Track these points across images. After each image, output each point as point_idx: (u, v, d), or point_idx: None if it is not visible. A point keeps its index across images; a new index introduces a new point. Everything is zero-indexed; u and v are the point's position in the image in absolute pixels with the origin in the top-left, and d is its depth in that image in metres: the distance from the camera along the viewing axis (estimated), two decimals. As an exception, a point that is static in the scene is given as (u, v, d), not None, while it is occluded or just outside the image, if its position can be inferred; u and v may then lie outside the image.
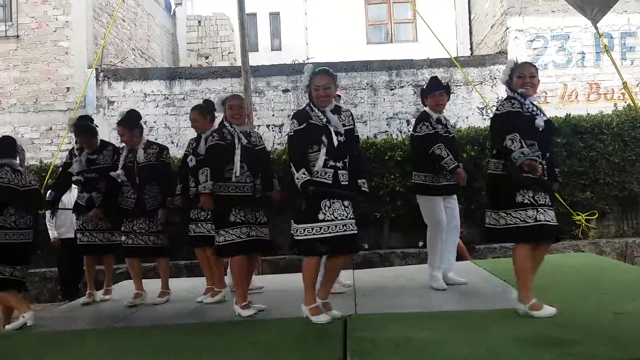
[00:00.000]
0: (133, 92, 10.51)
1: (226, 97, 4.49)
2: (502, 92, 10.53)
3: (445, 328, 3.58)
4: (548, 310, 3.61)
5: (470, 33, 14.28)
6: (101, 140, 5.42)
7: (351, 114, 4.04)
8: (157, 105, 10.51)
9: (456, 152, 4.83)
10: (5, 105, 10.32)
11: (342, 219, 3.73)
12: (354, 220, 3.81)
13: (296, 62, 11.90)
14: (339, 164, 3.82)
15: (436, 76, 5.07)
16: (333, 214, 3.71)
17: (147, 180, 4.96)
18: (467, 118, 10.38)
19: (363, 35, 15.19)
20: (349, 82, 10.61)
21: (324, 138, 3.76)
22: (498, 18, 11.58)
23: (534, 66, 3.95)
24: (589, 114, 8.92)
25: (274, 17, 16.30)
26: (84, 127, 5.33)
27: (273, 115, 10.70)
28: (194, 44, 15.04)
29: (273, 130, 10.64)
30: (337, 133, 3.82)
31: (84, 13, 10.58)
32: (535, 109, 3.74)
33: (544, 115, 3.81)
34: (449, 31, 13.85)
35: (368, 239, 8.38)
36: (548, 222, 3.64)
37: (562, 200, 8.23)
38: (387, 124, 10.57)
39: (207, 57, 14.64)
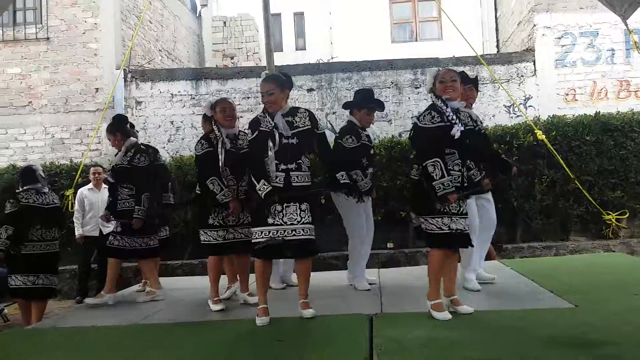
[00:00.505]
0: (160, 92, 10.64)
1: (217, 100, 4.68)
2: (530, 89, 10.46)
3: (473, 328, 3.55)
4: (445, 314, 3.75)
5: (497, 31, 14.10)
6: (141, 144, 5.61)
7: (309, 114, 4.04)
8: (184, 105, 10.62)
9: (486, 148, 4.82)
10: (37, 106, 10.54)
11: (292, 224, 3.80)
12: (307, 225, 3.85)
13: (321, 61, 11.90)
14: (292, 166, 3.87)
15: (463, 71, 5.00)
16: (282, 219, 3.80)
17: (119, 182, 5.24)
18: (493, 116, 10.25)
19: (387, 34, 15.15)
20: (373, 80, 10.57)
21: (270, 143, 3.83)
22: (525, 15, 11.42)
23: (455, 71, 4.05)
24: (619, 111, 8.75)
25: (299, 17, 16.36)
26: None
27: (298, 114, 10.72)
28: (219, 45, 15.17)
29: (298, 130, 10.66)
30: (283, 136, 3.87)
31: (112, 15, 10.75)
32: (454, 117, 3.78)
33: (465, 122, 3.89)
34: (474, 29, 13.73)
35: (394, 238, 8.35)
36: (460, 231, 3.77)
37: (592, 200, 8.09)
38: (412, 123, 10.50)
39: (232, 58, 14.74)
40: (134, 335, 4.03)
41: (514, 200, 8.12)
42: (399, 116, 10.55)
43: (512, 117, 10.04)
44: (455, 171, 3.75)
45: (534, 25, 10.73)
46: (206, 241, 4.52)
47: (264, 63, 9.84)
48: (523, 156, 8.20)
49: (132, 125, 5.75)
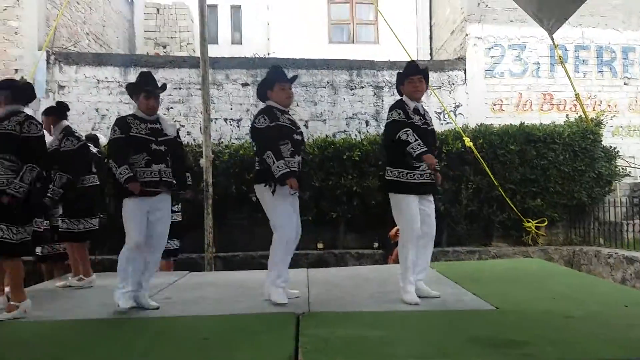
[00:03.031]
0: (85, 77, 10.15)
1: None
2: (460, 97, 10.77)
3: (398, 327, 3.57)
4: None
5: (431, 38, 14.46)
6: None
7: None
8: (111, 93, 10.18)
9: (434, 146, 4.41)
10: (-53, 84, 9.77)
11: None
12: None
13: (257, 56, 11.75)
14: None
15: (414, 60, 4.77)
16: None
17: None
18: (424, 121, 10.48)
19: (325, 34, 15.16)
20: (309, 79, 10.56)
21: None
22: (458, 24, 11.76)
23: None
24: (541, 123, 9.16)
25: (236, 10, 16.12)
26: None
27: (231, 109, 10.53)
28: (151, 33, 14.69)
29: (230, 125, 10.48)
30: None
31: (36, -8, 10.14)
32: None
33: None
34: (410, 35, 13.97)
35: (324, 239, 8.36)
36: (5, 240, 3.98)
37: (513, 207, 8.41)
38: (347, 124, 10.57)
39: (164, 47, 14.32)
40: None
41: (441, 205, 8.31)
42: (333, 116, 10.59)
43: (442, 124, 10.30)
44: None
45: (466, 34, 11.07)
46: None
47: (197, 54, 9.59)
48: (451, 162, 8.42)
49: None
